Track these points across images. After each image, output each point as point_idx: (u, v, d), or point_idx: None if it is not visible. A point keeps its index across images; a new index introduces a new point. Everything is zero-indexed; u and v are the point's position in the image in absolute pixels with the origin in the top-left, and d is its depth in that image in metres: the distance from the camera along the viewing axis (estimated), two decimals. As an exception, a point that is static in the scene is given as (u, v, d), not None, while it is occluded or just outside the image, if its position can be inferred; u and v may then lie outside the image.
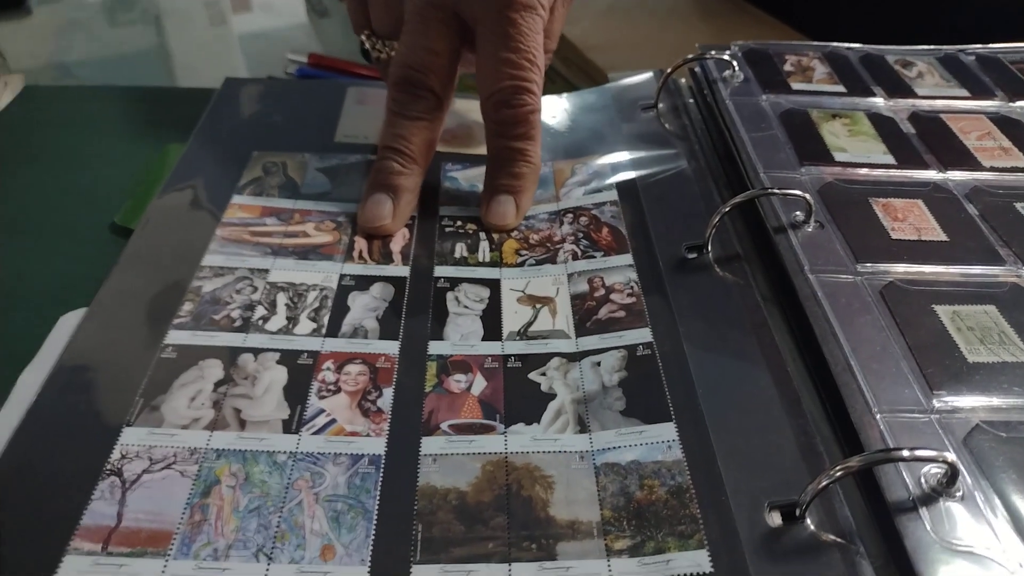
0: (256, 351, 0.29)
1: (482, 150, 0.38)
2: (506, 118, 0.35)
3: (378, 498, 0.24)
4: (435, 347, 0.30)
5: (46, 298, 0.32)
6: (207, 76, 0.46)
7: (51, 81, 0.59)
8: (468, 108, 0.43)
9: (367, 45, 0.39)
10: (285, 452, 0.25)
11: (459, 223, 0.36)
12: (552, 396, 0.28)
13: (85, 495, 0.24)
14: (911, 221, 0.33)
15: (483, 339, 0.30)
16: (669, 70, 0.42)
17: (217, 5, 0.79)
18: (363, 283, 0.32)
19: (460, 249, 0.35)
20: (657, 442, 0.26)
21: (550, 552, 0.23)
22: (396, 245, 0.34)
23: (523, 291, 0.32)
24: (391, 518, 0.24)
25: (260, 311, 0.30)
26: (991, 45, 0.47)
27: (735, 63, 0.43)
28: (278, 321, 0.30)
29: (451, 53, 0.35)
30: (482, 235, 0.35)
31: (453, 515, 0.24)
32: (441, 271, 0.33)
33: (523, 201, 0.36)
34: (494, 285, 0.33)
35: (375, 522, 0.24)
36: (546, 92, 0.45)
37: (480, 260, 0.34)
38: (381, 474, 0.25)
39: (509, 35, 0.34)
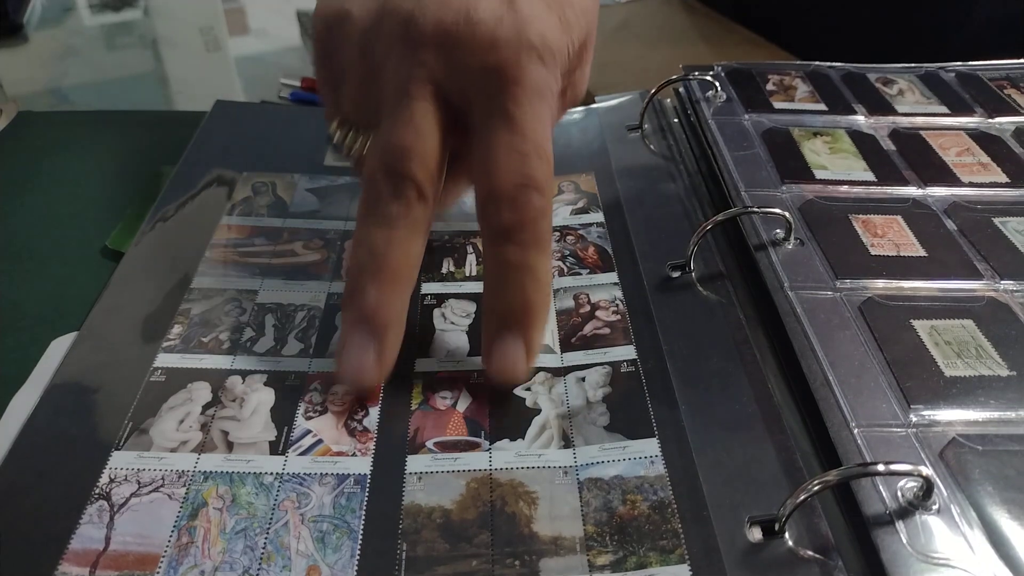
0: (244, 373, 0.29)
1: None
2: (507, 224, 0.27)
3: (363, 517, 0.25)
4: (421, 364, 0.30)
5: (38, 322, 0.32)
6: (203, 100, 0.46)
7: (47, 107, 0.60)
8: None
9: (337, 136, 0.31)
10: (272, 473, 0.26)
11: (446, 237, 0.37)
12: (537, 411, 0.28)
13: (73, 519, 0.24)
14: (890, 237, 0.33)
15: (469, 354, 0.30)
16: (653, 91, 0.43)
17: (213, 31, 0.80)
18: None
19: (447, 263, 0.35)
20: (640, 457, 0.26)
21: (533, 568, 0.23)
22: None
23: (509, 309, 0.33)
24: (376, 537, 0.24)
25: (248, 332, 0.31)
26: (971, 63, 0.48)
27: (718, 83, 0.43)
28: (266, 342, 0.31)
29: (439, 138, 0.28)
30: (469, 248, 0.36)
31: (438, 533, 0.24)
32: (428, 288, 0.34)
33: (534, 338, 0.28)
34: (481, 299, 0.33)
35: (360, 542, 0.24)
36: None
37: (467, 274, 0.34)
38: (366, 493, 0.25)
39: (512, 120, 0.27)
